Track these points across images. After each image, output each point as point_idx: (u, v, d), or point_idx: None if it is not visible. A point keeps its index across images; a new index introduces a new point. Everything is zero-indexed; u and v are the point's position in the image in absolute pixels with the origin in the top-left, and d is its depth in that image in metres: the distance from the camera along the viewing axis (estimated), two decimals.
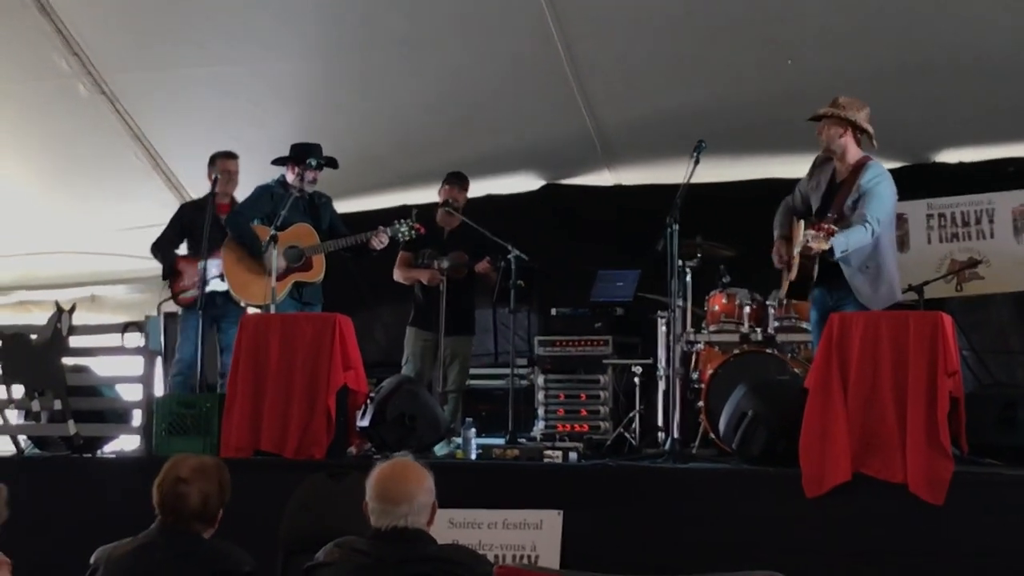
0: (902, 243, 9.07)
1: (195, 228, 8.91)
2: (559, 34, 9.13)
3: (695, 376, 8.74)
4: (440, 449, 8.03)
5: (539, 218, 10.93)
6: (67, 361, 8.16)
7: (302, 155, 8.75)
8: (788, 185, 7.90)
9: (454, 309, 8.83)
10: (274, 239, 8.21)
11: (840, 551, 6.25)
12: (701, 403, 8.31)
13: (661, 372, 8.77)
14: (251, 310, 8.78)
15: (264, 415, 7.53)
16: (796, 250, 7.20)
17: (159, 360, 8.38)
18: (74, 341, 8.14)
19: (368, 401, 7.63)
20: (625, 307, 9.58)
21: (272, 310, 8.13)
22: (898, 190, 7.38)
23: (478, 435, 7.94)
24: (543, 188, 11.21)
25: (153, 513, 4.53)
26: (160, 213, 9.70)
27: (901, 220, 8.87)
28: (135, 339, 8.27)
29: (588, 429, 9.29)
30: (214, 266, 8.68)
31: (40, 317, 8.95)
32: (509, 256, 8.66)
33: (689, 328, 8.81)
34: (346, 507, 4.98)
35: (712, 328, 8.78)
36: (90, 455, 8.11)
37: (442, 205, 9.27)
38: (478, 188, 10.17)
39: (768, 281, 8.48)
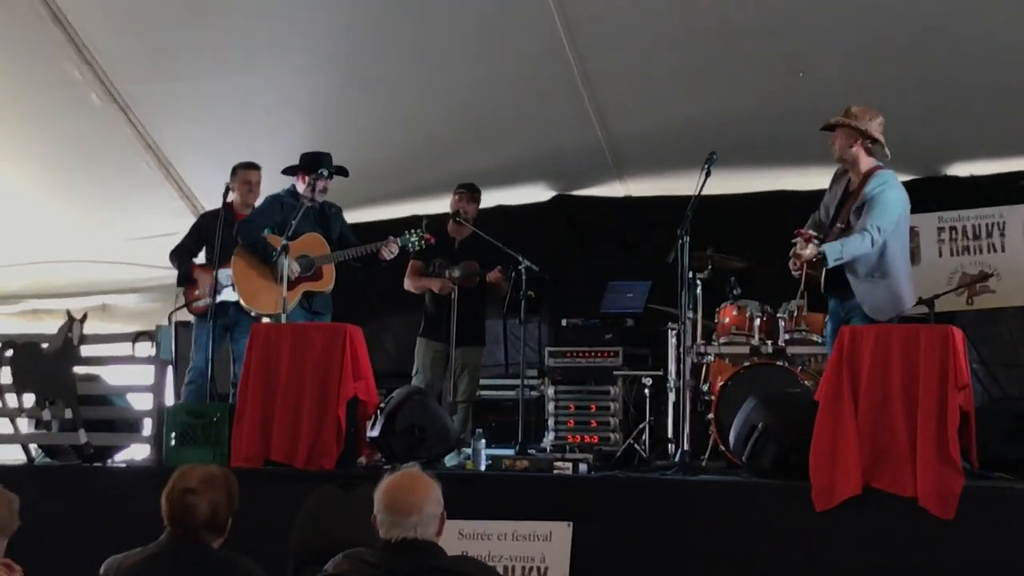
0: (913, 256, 9.05)
1: (213, 237, 8.92)
2: (571, 46, 9.15)
3: (705, 388, 8.74)
4: (450, 460, 8.04)
5: (550, 229, 10.94)
6: (78, 370, 8.17)
7: (313, 164, 8.74)
8: (799, 197, 7.93)
9: (464, 319, 8.84)
10: (285, 248, 8.21)
11: (850, 565, 6.25)
12: (711, 415, 8.29)
13: (671, 384, 8.75)
14: (263, 320, 8.80)
15: (274, 425, 7.54)
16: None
17: (170, 369, 8.39)
18: (85, 350, 8.16)
19: (378, 412, 7.62)
20: (635, 318, 9.58)
21: (283, 319, 8.13)
22: (910, 203, 7.36)
23: (488, 446, 7.93)
24: (554, 199, 11.22)
25: (163, 524, 4.53)
26: (172, 223, 9.74)
27: (912, 233, 8.86)
28: (146, 348, 8.30)
29: (598, 440, 9.28)
30: (227, 276, 8.69)
31: (51, 326, 8.97)
32: (520, 267, 8.67)
33: (699, 340, 8.79)
34: (355, 518, 4.97)
35: (722, 340, 8.77)
36: (101, 464, 8.13)
37: (452, 216, 9.28)
38: (489, 199, 10.18)
39: (779, 293, 8.48)
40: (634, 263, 9.86)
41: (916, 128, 9.00)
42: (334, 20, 9.39)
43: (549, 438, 9.45)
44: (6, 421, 8.30)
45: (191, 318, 9.20)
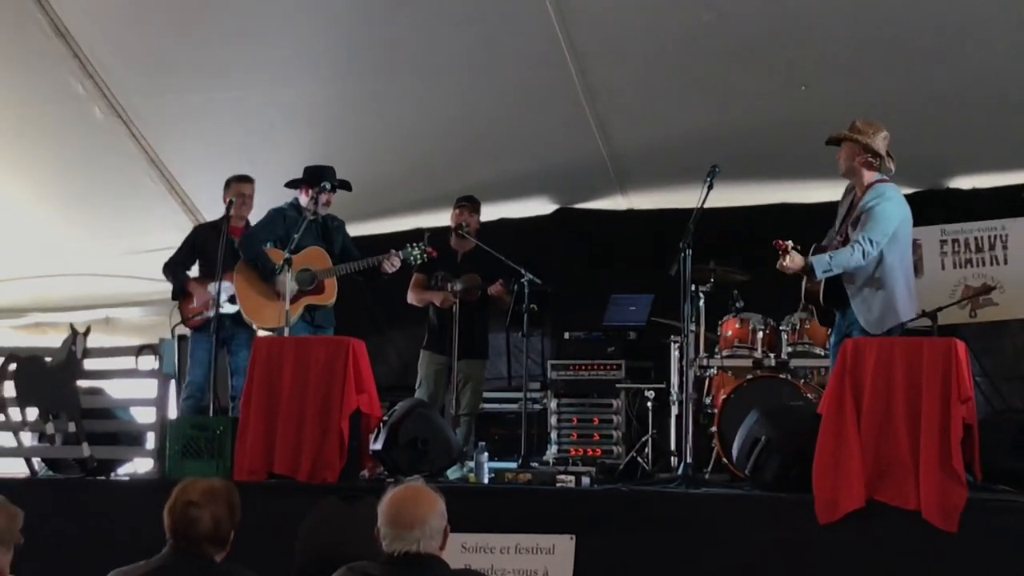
0: (915, 269, 9.04)
1: (207, 250, 8.93)
2: (572, 59, 9.16)
3: (708, 401, 8.73)
4: (453, 473, 8.03)
5: (552, 242, 10.95)
6: (81, 383, 8.17)
7: (316, 178, 8.74)
8: (802, 211, 7.93)
9: (467, 332, 8.84)
10: (288, 262, 8.21)
11: None
12: (714, 428, 8.29)
13: (674, 397, 8.76)
14: (262, 333, 8.80)
15: (277, 438, 7.54)
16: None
17: (173, 383, 8.38)
18: (88, 363, 8.15)
19: (381, 425, 7.62)
20: (638, 331, 9.60)
21: (286, 333, 8.14)
22: (912, 216, 7.36)
23: (491, 459, 7.94)
24: (556, 212, 11.23)
25: (166, 536, 4.53)
26: (175, 236, 9.72)
27: (915, 246, 8.85)
28: (149, 362, 8.28)
29: (601, 453, 9.30)
30: (225, 289, 8.70)
31: (55, 339, 8.97)
32: (522, 280, 8.67)
33: (702, 353, 8.80)
34: (359, 531, 4.97)
35: (725, 353, 8.77)
36: (104, 478, 8.13)
37: (455, 229, 9.28)
38: (491, 212, 10.20)
39: (781, 306, 8.49)
40: (637, 276, 9.85)
41: (918, 141, 8.99)
42: (336, 35, 9.41)
43: (552, 451, 9.47)
44: (9, 434, 8.31)
45: (187, 331, 9.19)
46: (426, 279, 9.26)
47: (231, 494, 4.59)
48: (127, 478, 8.37)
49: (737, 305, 8.90)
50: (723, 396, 8.36)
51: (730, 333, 8.81)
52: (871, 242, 6.98)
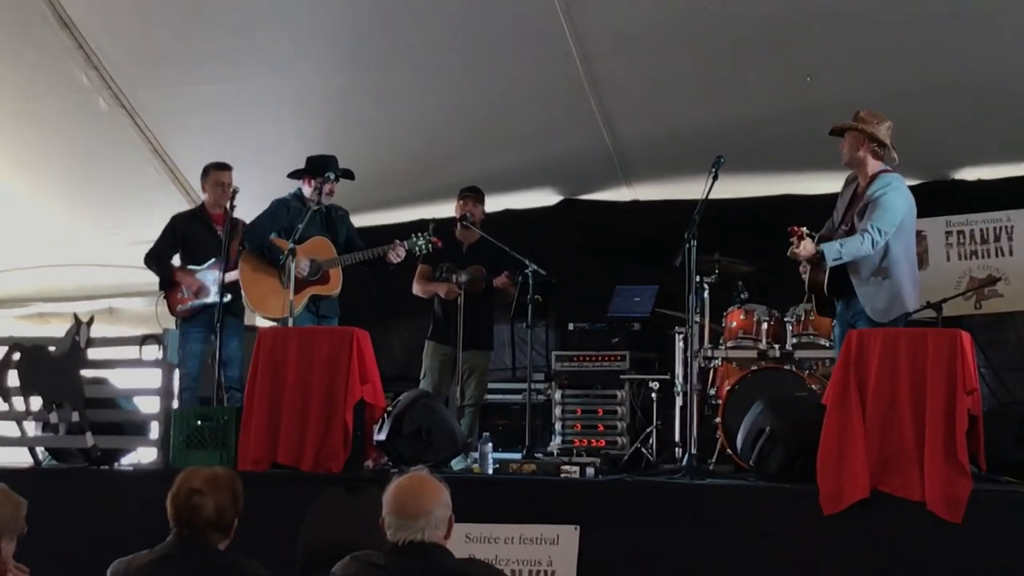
0: (921, 260, 9.04)
1: (189, 238, 8.93)
2: (578, 50, 9.15)
3: (712, 392, 8.74)
4: (457, 463, 8.03)
5: (557, 233, 10.95)
6: (85, 373, 8.18)
7: (319, 168, 8.74)
8: (806, 201, 7.93)
9: (472, 323, 8.83)
10: (292, 252, 8.20)
11: (857, 569, 6.22)
12: (718, 419, 8.29)
13: (678, 388, 8.76)
14: (264, 323, 8.80)
15: (281, 428, 7.54)
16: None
17: (177, 372, 8.37)
18: (92, 353, 8.16)
19: (385, 415, 7.62)
20: (642, 322, 9.60)
21: (290, 323, 8.13)
22: (917, 207, 7.36)
23: (495, 450, 7.93)
24: (561, 203, 11.23)
25: (169, 526, 4.53)
26: None
27: (920, 237, 8.85)
28: (153, 351, 8.28)
29: (605, 444, 9.30)
30: (212, 277, 8.68)
31: (58, 329, 8.95)
32: (527, 271, 8.67)
33: (706, 344, 8.79)
34: (363, 521, 4.97)
35: (730, 344, 8.76)
36: (107, 467, 8.13)
37: (459, 220, 9.27)
38: (496, 203, 10.19)
39: (786, 297, 8.48)
40: (641, 267, 9.86)
41: (924, 132, 8.99)
42: (341, 26, 9.39)
43: (556, 442, 9.47)
44: (13, 424, 8.32)
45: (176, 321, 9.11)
46: (431, 270, 9.26)
47: (234, 482, 4.59)
48: (131, 468, 8.36)
49: (742, 296, 8.90)
50: (727, 387, 8.36)
51: (735, 324, 8.80)
52: (879, 231, 7.01)
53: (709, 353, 8.77)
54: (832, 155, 7.49)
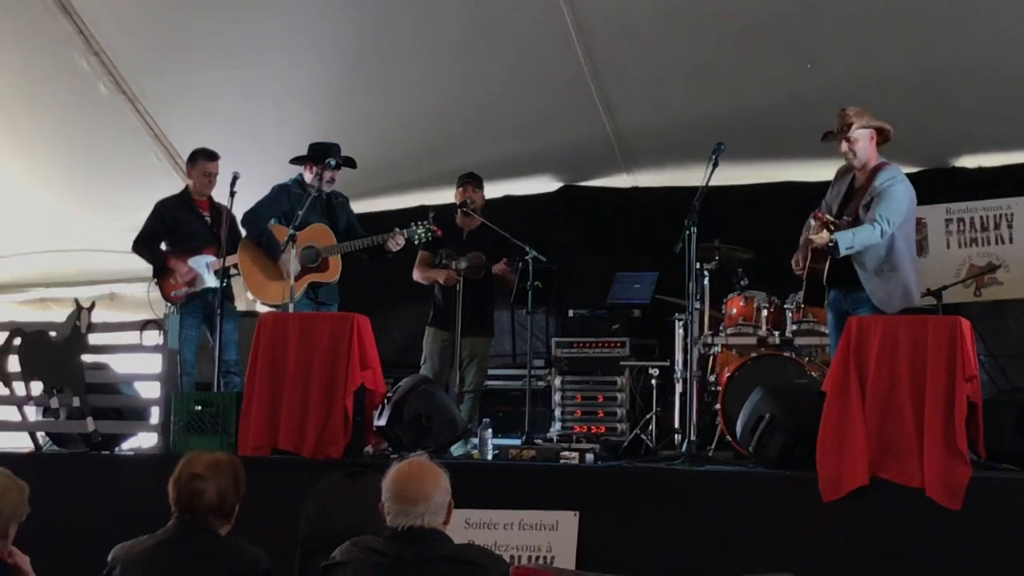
0: (920, 248, 9.05)
1: (177, 225, 8.92)
2: (579, 37, 9.14)
3: (712, 379, 8.74)
4: (457, 449, 8.04)
5: (557, 220, 10.95)
6: (86, 358, 8.18)
7: (320, 155, 8.74)
8: (807, 188, 7.93)
9: (472, 310, 8.84)
10: (292, 239, 8.21)
11: (856, 555, 6.24)
12: (718, 406, 8.30)
13: (678, 374, 8.77)
14: (261, 308, 8.79)
15: (282, 414, 7.55)
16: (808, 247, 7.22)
17: (177, 358, 8.37)
18: (93, 339, 8.16)
19: (385, 401, 7.63)
20: (642, 309, 9.60)
21: (290, 309, 8.14)
22: (917, 195, 7.37)
23: (495, 436, 7.95)
24: (561, 190, 11.22)
25: (170, 510, 4.54)
26: None
27: (920, 225, 8.86)
28: (153, 337, 8.28)
29: (605, 431, 9.31)
30: (205, 263, 8.68)
31: (59, 315, 8.97)
32: (527, 257, 8.66)
33: (706, 331, 8.80)
34: (363, 506, 4.99)
35: (729, 331, 8.78)
36: (108, 452, 8.14)
37: (460, 206, 9.27)
38: (496, 189, 10.20)
39: (786, 284, 8.48)
40: (641, 254, 9.85)
41: (924, 120, 9.00)
42: (342, 14, 9.38)
43: (556, 428, 9.48)
44: (14, 409, 8.32)
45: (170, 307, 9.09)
46: (431, 257, 9.24)
47: (236, 467, 4.60)
48: (131, 453, 8.37)
49: (741, 283, 8.90)
50: (727, 374, 8.37)
51: (734, 311, 8.81)
52: (888, 221, 7.04)
53: (709, 340, 8.78)
54: (833, 143, 7.47)
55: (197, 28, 9.57)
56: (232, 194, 8.55)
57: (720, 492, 6.75)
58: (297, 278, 8.34)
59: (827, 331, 8.05)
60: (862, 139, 7.27)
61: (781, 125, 9.57)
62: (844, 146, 7.29)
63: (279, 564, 4.67)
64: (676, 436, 8.52)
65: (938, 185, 9.70)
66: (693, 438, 7.45)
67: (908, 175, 7.46)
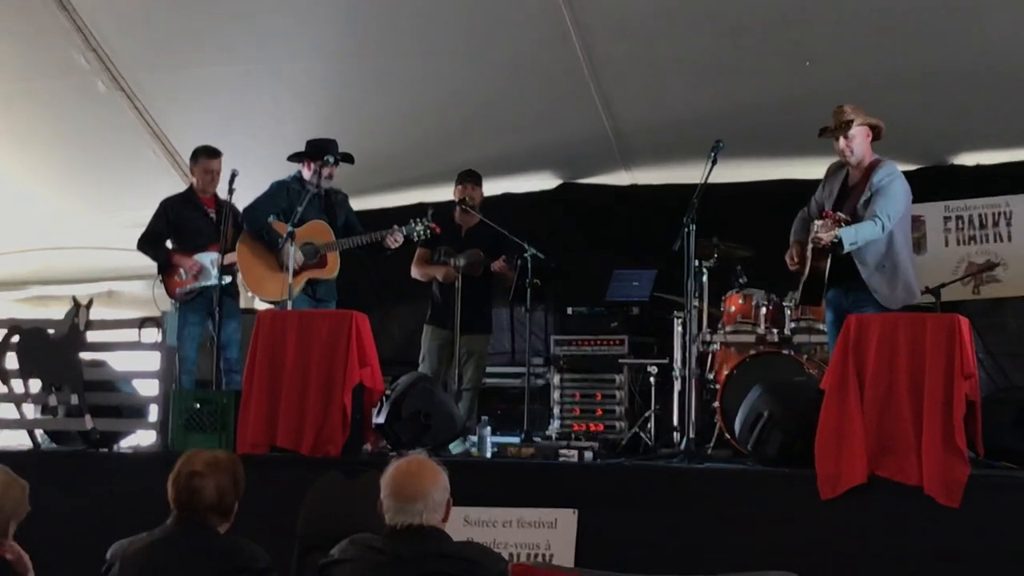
0: (919, 245, 9.06)
1: (182, 222, 8.92)
2: (577, 34, 9.13)
3: (711, 376, 8.74)
4: (455, 447, 8.04)
5: (555, 217, 10.95)
6: (84, 356, 8.18)
7: (318, 151, 8.72)
8: (805, 186, 7.89)
9: (471, 307, 8.82)
10: (291, 235, 8.20)
11: (855, 553, 6.25)
12: (717, 403, 8.30)
13: (677, 372, 8.77)
14: (261, 306, 8.79)
15: (280, 411, 7.54)
16: (808, 246, 7.20)
17: (176, 356, 8.37)
18: (91, 336, 8.15)
19: (384, 398, 7.63)
20: (641, 307, 9.61)
21: (289, 306, 8.13)
22: (915, 192, 7.39)
23: (493, 433, 7.95)
24: (560, 187, 11.22)
25: (169, 508, 4.54)
26: None
27: (918, 222, 8.87)
28: (152, 334, 8.28)
29: (603, 428, 9.32)
30: (210, 260, 8.68)
31: (57, 312, 8.94)
32: (525, 255, 8.66)
33: (705, 328, 8.80)
34: (361, 504, 4.98)
35: (728, 329, 8.77)
36: (107, 450, 8.14)
37: (458, 203, 9.26)
38: (495, 187, 10.19)
39: (785, 282, 8.47)
40: (640, 251, 9.86)
41: (922, 117, 9.00)
42: (340, 9, 9.37)
43: (555, 426, 9.49)
44: (12, 407, 8.32)
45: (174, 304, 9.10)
46: (429, 254, 9.24)
47: (235, 465, 4.60)
48: (130, 451, 8.38)
49: (740, 281, 8.90)
50: (726, 372, 8.37)
51: (733, 309, 8.81)
52: (888, 217, 7.05)
53: (708, 337, 8.79)
54: (831, 140, 7.47)
55: (195, 24, 9.55)
56: (231, 191, 8.55)
57: (719, 490, 6.76)
58: (295, 274, 8.33)
59: (826, 329, 8.05)
60: (859, 136, 7.27)
61: (780, 122, 9.57)
62: (841, 143, 7.28)
63: (277, 562, 4.67)
64: (675, 434, 8.53)
65: (937, 183, 9.70)
66: (692, 436, 7.44)
67: (906, 173, 7.46)
